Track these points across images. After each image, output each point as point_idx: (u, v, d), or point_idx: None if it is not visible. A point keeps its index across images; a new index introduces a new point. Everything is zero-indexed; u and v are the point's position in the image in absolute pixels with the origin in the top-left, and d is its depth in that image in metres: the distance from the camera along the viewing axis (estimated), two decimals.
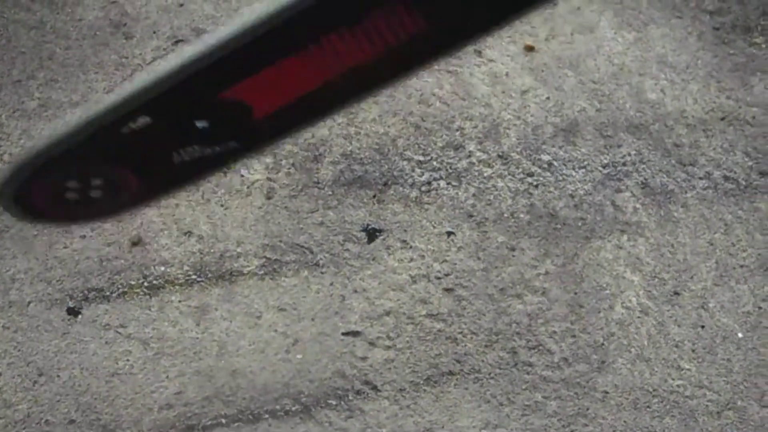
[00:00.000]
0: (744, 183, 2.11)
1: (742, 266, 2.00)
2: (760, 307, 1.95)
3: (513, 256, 2.00)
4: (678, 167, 2.13)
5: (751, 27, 2.34)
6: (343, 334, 1.92)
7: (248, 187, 2.08)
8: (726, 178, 2.12)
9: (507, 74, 2.26)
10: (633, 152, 2.14)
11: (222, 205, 2.05)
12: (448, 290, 1.97)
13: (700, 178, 2.11)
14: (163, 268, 1.98)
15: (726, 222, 2.05)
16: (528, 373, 1.89)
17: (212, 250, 2.01)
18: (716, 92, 2.25)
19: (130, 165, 0.67)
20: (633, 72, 2.27)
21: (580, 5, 2.37)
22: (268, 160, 2.11)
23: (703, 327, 1.94)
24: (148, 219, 2.03)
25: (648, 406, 1.88)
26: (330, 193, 2.08)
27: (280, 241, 2.02)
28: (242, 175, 2.09)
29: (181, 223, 2.04)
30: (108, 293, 1.95)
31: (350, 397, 1.86)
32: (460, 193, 2.08)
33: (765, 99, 2.22)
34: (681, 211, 2.06)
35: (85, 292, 1.95)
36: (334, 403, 1.85)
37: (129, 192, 0.69)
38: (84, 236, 2.01)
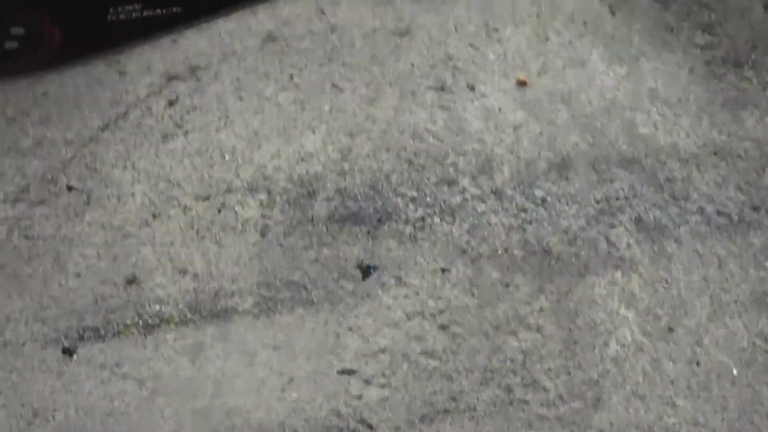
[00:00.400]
0: (737, 218, 2.17)
1: (736, 302, 2.05)
2: (754, 344, 2.01)
3: (507, 292, 2.05)
4: (671, 202, 2.19)
5: (742, 61, 2.41)
6: (338, 372, 1.96)
7: (242, 224, 2.13)
8: (719, 213, 2.17)
9: (500, 109, 2.32)
10: (626, 187, 2.20)
11: (216, 243, 2.10)
12: (442, 327, 2.02)
13: (693, 213, 2.17)
14: (158, 307, 2.02)
15: (719, 257, 2.11)
16: (523, 411, 1.93)
17: (207, 288, 2.05)
18: (708, 126, 2.31)
19: (57, 16, 0.67)
20: (625, 106, 2.33)
21: (571, 39, 2.44)
22: (262, 197, 2.16)
23: (698, 363, 1.99)
24: (143, 257, 2.08)
25: None
26: (324, 229, 2.13)
27: (275, 279, 2.06)
28: (236, 212, 2.14)
29: (176, 260, 2.08)
30: (103, 332, 1.99)
31: None
32: (454, 229, 2.13)
33: (756, 133, 2.29)
34: (674, 246, 2.12)
35: (80, 331, 1.99)
36: None
37: (52, 47, 0.70)
38: (79, 275, 2.05)
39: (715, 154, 2.27)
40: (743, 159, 2.26)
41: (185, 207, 2.15)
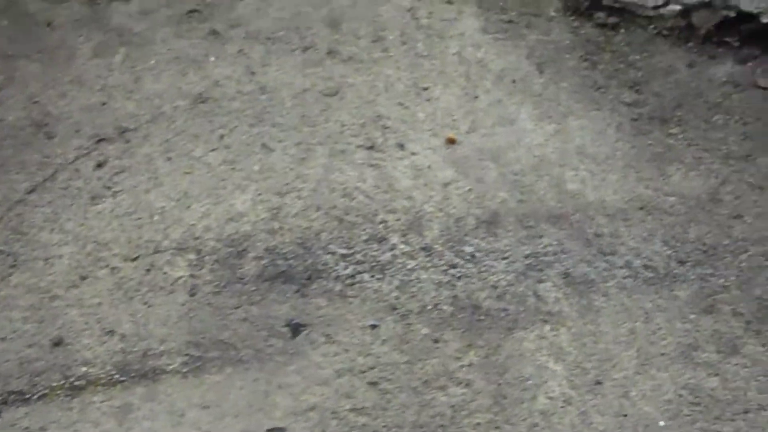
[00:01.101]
0: (663, 271, 2.29)
1: (662, 354, 2.16)
2: (680, 395, 2.11)
3: (437, 348, 2.15)
4: (599, 257, 2.31)
5: (668, 118, 2.56)
6: (267, 430, 2.04)
7: (171, 284, 2.22)
8: (646, 267, 2.29)
9: (429, 167, 2.44)
10: (554, 242, 2.32)
11: (145, 303, 2.19)
12: (372, 384, 2.11)
13: (621, 267, 2.28)
14: (84, 369, 2.10)
15: (646, 310, 2.22)
16: None
17: (135, 349, 2.14)
18: (635, 182, 2.44)
19: None
20: (553, 163, 2.46)
21: (500, 98, 2.58)
22: (191, 256, 2.25)
23: (625, 416, 2.09)
24: (70, 319, 2.16)
25: None
26: (254, 288, 2.22)
27: (204, 338, 2.15)
28: (165, 272, 2.23)
29: (104, 322, 2.16)
30: (28, 396, 2.06)
31: None
32: (383, 286, 2.23)
33: (682, 188, 2.42)
34: (602, 300, 2.23)
35: (5, 395, 2.06)
36: None
37: None
38: (4, 338, 2.13)
39: (641, 209, 2.39)
40: (669, 213, 2.39)
41: (114, 268, 2.24)
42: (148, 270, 2.26)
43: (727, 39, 2.73)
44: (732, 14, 2.70)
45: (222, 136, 2.49)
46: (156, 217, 2.34)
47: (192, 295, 2.22)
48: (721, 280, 2.33)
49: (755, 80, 2.64)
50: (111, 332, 2.16)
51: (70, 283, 2.22)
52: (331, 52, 2.66)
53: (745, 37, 2.72)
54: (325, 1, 2.74)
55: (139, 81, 2.59)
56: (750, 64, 2.69)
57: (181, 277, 2.25)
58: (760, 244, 2.36)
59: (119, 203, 2.36)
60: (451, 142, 2.50)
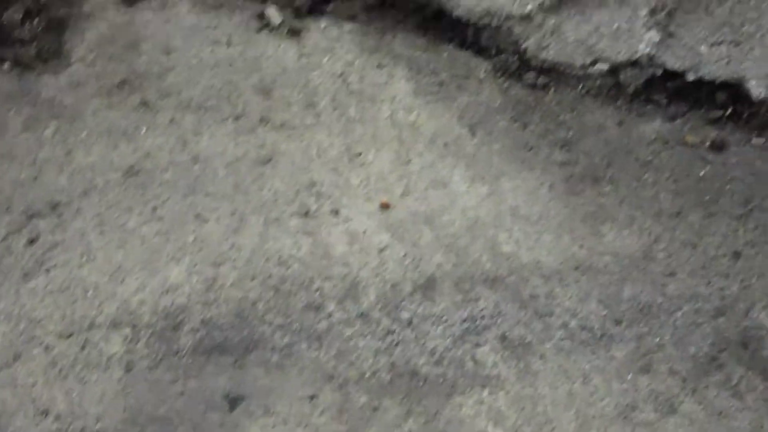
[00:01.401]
0: (599, 332, 2.37)
1: (601, 416, 2.24)
2: None
3: (376, 416, 2.21)
4: (535, 318, 2.38)
5: (599, 177, 2.65)
6: None
7: (107, 361, 2.26)
8: (582, 328, 2.37)
9: (364, 232, 2.51)
10: (491, 305, 2.39)
11: (80, 381, 2.22)
12: None
13: (557, 329, 2.36)
14: None
15: (584, 372, 2.30)
16: None
17: (70, 428, 2.17)
18: (569, 242, 2.53)
19: None
20: (488, 225, 2.54)
21: (433, 161, 2.66)
22: (126, 331, 2.29)
23: None
24: (3, 400, 2.19)
25: None
26: (190, 361, 2.27)
27: (141, 414, 2.19)
28: (100, 348, 2.27)
29: (38, 401, 2.20)
30: None
31: None
32: (321, 355, 2.29)
33: (615, 247, 2.51)
34: (540, 363, 2.30)
35: None
36: None
37: None
38: None
39: (576, 269, 2.47)
40: (604, 273, 2.47)
41: (47, 346, 2.27)
42: (82, 347, 2.30)
43: (655, 97, 2.84)
44: (658, 72, 2.81)
45: (155, 208, 2.54)
46: (90, 293, 2.38)
47: (128, 370, 2.26)
48: (657, 339, 2.41)
49: (683, 137, 2.75)
50: (45, 412, 2.19)
51: (3, 362, 2.25)
52: (263, 120, 2.73)
53: (672, 94, 2.83)
54: (255, 68, 2.80)
55: (70, 154, 2.64)
56: (678, 121, 2.79)
57: (116, 353, 2.29)
58: (693, 301, 2.45)
59: (52, 279, 2.39)
60: (385, 206, 2.57)
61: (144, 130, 2.73)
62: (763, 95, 2.77)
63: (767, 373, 2.34)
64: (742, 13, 2.81)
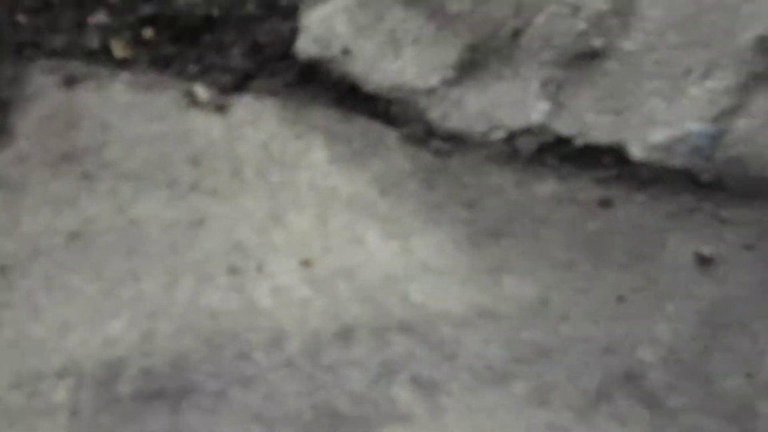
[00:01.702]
0: (501, 371, 2.62)
1: None
2: None
3: None
4: (443, 360, 2.64)
5: (500, 233, 2.94)
6: None
7: (53, 408, 2.48)
8: (486, 368, 2.63)
9: (288, 287, 2.77)
10: (403, 350, 2.65)
11: (29, 427, 2.45)
12: None
13: (464, 369, 2.61)
14: None
15: (488, 407, 2.54)
16: None
17: None
18: (474, 291, 2.79)
19: None
20: (400, 278, 2.81)
21: (349, 221, 2.93)
22: (71, 381, 2.52)
23: None
24: None
25: None
26: (130, 407, 2.51)
27: None
28: (47, 397, 2.49)
29: None
30: None
31: None
32: (250, 398, 2.53)
33: (515, 295, 2.79)
34: (448, 400, 2.55)
35: None
36: None
37: None
38: None
39: (480, 315, 2.73)
40: (505, 318, 2.74)
41: None
42: (31, 396, 2.52)
43: (548, 160, 3.13)
44: (550, 139, 3.10)
45: (96, 268, 2.78)
46: (37, 346, 2.61)
47: (73, 415, 2.49)
48: (552, 376, 2.65)
49: (574, 196, 3.04)
50: None
51: None
52: (193, 187, 2.97)
53: (563, 158, 3.12)
54: (186, 141, 3.03)
55: (17, 221, 2.86)
56: (569, 181, 3.09)
57: (62, 401, 2.51)
58: (584, 342, 2.72)
59: (2, 335, 2.62)
60: (306, 263, 2.84)
61: (85, 199, 2.95)
62: (642, 157, 3.07)
63: (649, 403, 2.59)
64: (622, 86, 3.10)
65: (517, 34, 3.09)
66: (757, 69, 2.98)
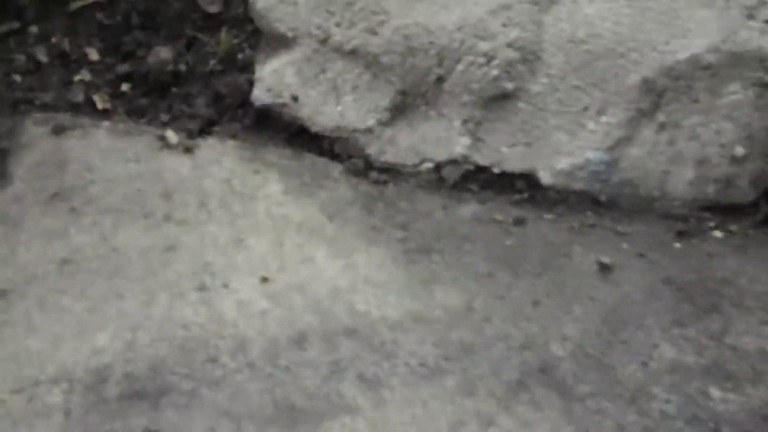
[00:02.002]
0: (434, 367, 2.72)
1: (437, 431, 2.59)
2: None
3: None
4: (384, 359, 2.74)
5: (430, 250, 3.08)
6: None
7: (49, 409, 2.56)
8: (421, 365, 2.73)
9: (249, 300, 2.92)
10: (350, 352, 2.75)
11: (28, 426, 2.53)
12: None
13: (402, 366, 2.73)
14: None
15: (423, 399, 2.63)
16: None
17: None
18: (409, 300, 2.93)
19: None
20: (346, 290, 2.94)
21: (301, 244, 3.09)
22: (65, 386, 2.64)
23: None
24: None
25: None
26: (116, 406, 2.59)
27: None
28: (44, 400, 2.61)
29: None
30: None
31: None
32: (218, 396, 2.62)
33: (444, 303, 2.93)
34: (389, 394, 2.63)
35: None
36: None
37: None
38: None
39: (414, 320, 2.84)
40: (436, 322, 2.86)
41: (2, 400, 2.61)
42: (30, 399, 2.64)
43: (470, 186, 3.29)
44: (471, 168, 3.27)
45: (84, 290, 2.90)
46: (34, 357, 2.73)
47: (66, 416, 2.59)
48: (478, 370, 2.77)
49: (493, 216, 3.22)
50: None
51: None
52: (166, 218, 3.09)
53: (483, 184, 3.28)
54: (159, 179, 3.17)
55: (14, 252, 2.97)
56: (488, 204, 3.26)
57: (57, 403, 2.61)
58: (505, 340, 2.84)
59: (3, 349, 2.74)
60: (265, 280, 3.00)
61: (73, 230, 3.06)
62: (550, 182, 3.26)
63: (561, 391, 2.72)
64: (531, 122, 3.26)
65: (440, 80, 3.25)
66: (642, 106, 3.17)
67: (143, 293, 2.89)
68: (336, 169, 3.33)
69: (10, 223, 3.08)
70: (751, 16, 3.06)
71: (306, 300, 2.92)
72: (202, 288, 2.92)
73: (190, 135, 3.30)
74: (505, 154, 3.26)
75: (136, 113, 3.40)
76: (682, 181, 3.05)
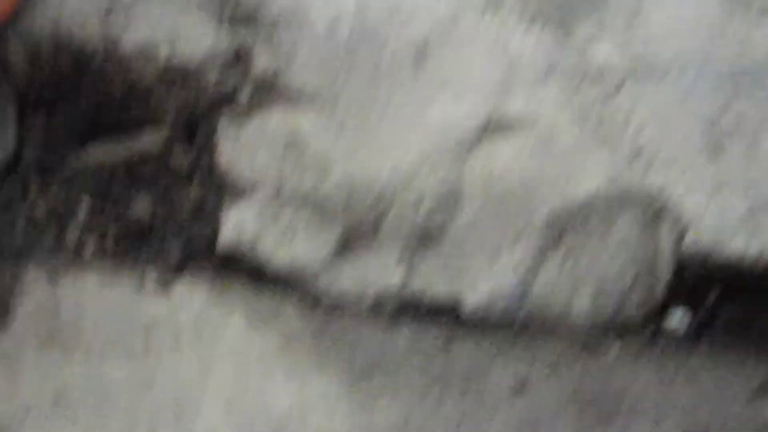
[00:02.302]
0: None
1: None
2: None
3: None
4: None
5: (372, 372, 3.37)
6: None
7: None
8: None
9: (217, 426, 3.18)
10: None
11: None
12: None
13: None
14: None
15: None
16: None
17: None
18: (356, 414, 3.22)
19: None
20: (301, 409, 3.23)
21: (262, 370, 3.36)
22: None
23: None
24: None
25: None
26: None
27: None
28: None
29: None
30: None
31: None
32: None
33: (385, 415, 3.21)
34: None
35: None
36: None
37: None
38: None
39: None
40: None
41: None
42: None
43: (406, 312, 3.57)
44: (407, 295, 3.56)
45: (75, 420, 3.18)
46: None
47: None
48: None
49: (424, 339, 3.49)
50: None
51: None
52: (146, 352, 3.36)
53: (416, 310, 3.57)
54: (139, 316, 3.46)
55: (14, 387, 3.23)
56: (422, 327, 3.54)
57: None
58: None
59: None
60: (230, 404, 3.27)
61: (65, 366, 3.31)
62: (474, 306, 3.51)
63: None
64: (458, 253, 3.53)
65: (379, 219, 3.54)
66: (548, 238, 3.48)
67: (126, 421, 3.17)
68: (291, 302, 3.56)
69: (10, 361, 3.33)
70: (637, 155, 3.37)
71: (266, 419, 3.23)
72: (178, 416, 3.20)
73: (166, 276, 3.56)
74: (435, 281, 3.53)
75: (119, 259, 3.66)
76: (584, 303, 3.33)
